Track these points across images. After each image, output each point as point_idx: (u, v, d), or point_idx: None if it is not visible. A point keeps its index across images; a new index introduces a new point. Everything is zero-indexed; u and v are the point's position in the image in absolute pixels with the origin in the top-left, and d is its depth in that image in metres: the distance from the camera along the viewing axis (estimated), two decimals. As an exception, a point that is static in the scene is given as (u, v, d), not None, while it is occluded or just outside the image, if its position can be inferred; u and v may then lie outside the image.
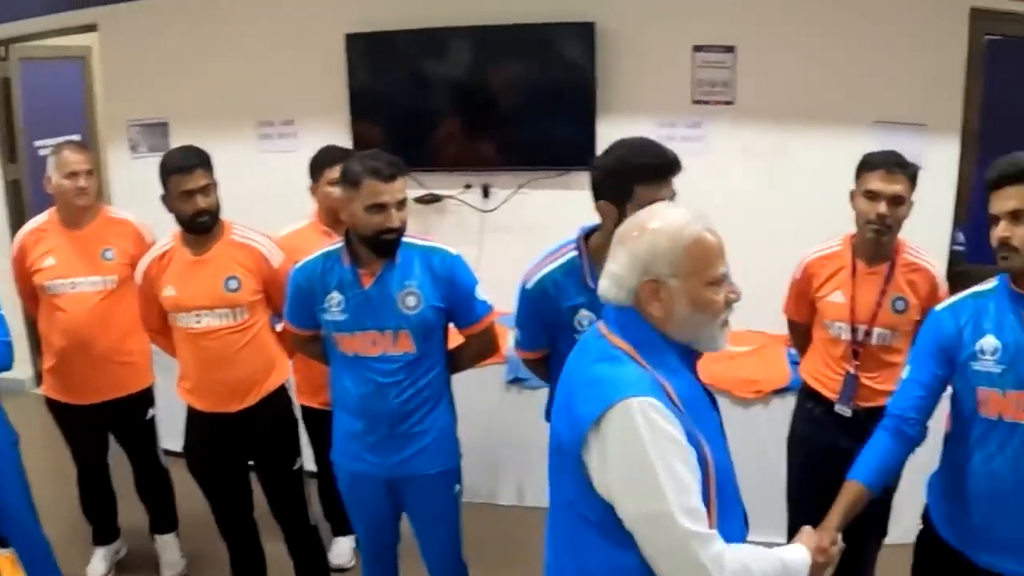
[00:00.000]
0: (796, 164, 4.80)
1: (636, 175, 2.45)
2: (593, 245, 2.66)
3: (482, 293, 3.00)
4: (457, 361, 3.10)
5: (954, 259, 4.63)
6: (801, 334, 3.45)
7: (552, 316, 2.71)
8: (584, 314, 2.65)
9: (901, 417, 2.44)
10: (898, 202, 2.96)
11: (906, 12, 4.59)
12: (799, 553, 1.94)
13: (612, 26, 4.79)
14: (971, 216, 4.84)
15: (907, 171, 2.97)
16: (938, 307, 2.50)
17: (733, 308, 1.87)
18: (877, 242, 3.04)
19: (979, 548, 2.39)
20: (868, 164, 3.02)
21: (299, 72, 5.19)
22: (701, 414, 1.84)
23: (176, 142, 5.03)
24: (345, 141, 4.91)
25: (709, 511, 1.72)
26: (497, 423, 4.32)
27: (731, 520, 1.83)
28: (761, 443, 3.86)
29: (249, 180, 4.87)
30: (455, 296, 2.93)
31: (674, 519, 1.65)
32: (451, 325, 3.03)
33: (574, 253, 2.69)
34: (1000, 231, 2.23)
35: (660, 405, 1.70)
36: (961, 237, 4.85)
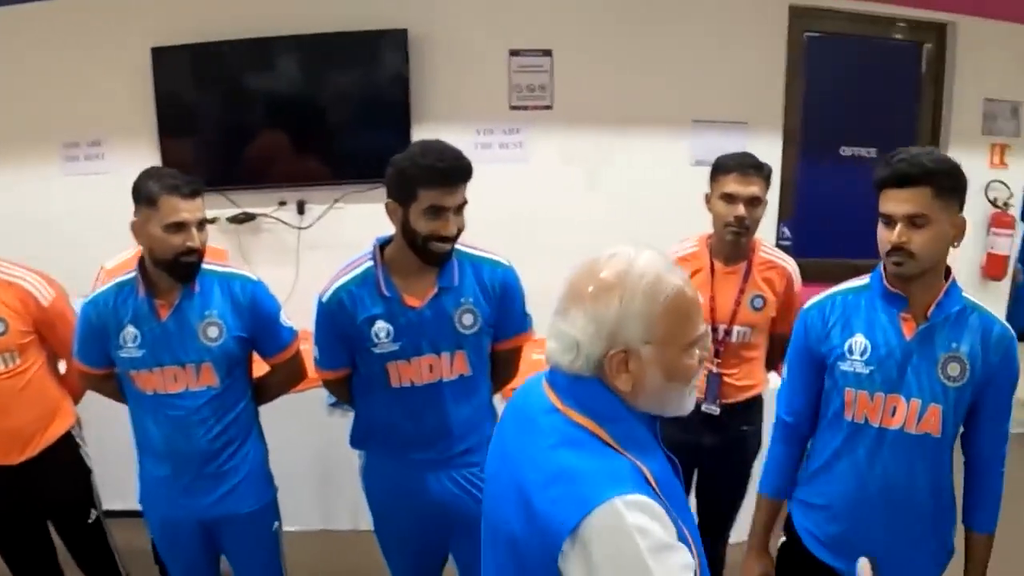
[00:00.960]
0: (617, 166, 4.83)
1: (421, 177, 2.44)
2: (388, 255, 2.64)
3: (286, 319, 2.88)
4: (264, 391, 2.97)
5: (781, 254, 4.74)
6: None
7: (349, 329, 2.64)
8: (380, 326, 2.61)
9: (790, 424, 2.47)
10: (755, 203, 3.00)
11: (725, 11, 4.68)
12: None
13: (426, 32, 4.71)
14: (795, 211, 4.96)
15: (761, 172, 3.01)
16: (807, 304, 2.47)
17: (704, 367, 1.63)
18: (735, 243, 3.07)
19: (839, 556, 2.36)
20: (722, 167, 3.03)
21: (105, 90, 4.88)
22: (673, 490, 1.58)
23: (-25, 168, 4.74)
24: (154, 160, 4.66)
25: None
26: (324, 448, 4.17)
27: None
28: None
29: (56, 205, 4.67)
30: (259, 324, 2.80)
31: None
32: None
33: (369, 263, 2.65)
34: (897, 235, 2.10)
35: (649, 503, 1.43)
36: (787, 232, 4.97)
